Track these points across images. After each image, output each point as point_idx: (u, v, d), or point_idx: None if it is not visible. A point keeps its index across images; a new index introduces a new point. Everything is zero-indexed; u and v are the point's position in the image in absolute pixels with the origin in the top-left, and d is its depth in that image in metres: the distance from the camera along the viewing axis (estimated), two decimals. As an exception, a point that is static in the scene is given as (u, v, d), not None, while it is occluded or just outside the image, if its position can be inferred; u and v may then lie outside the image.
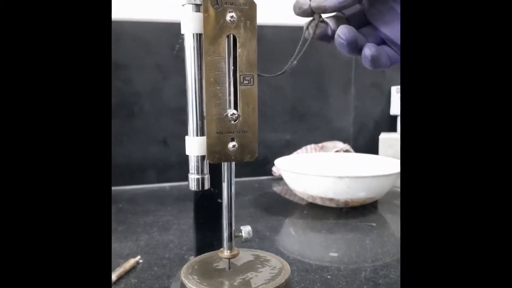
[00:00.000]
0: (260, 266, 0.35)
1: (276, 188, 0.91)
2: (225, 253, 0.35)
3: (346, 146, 1.00)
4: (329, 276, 0.48)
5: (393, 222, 0.69)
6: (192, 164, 0.33)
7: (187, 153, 0.33)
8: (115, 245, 0.58)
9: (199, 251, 0.42)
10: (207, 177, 0.33)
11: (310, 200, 0.74)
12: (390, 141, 0.92)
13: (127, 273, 0.50)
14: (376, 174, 0.68)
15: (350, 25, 0.33)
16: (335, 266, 0.51)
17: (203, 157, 0.33)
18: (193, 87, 0.32)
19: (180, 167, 0.97)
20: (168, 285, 0.47)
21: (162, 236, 0.62)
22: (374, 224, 0.66)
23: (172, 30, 0.92)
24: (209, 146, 0.32)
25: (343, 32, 0.32)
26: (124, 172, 0.94)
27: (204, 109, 0.32)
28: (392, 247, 0.57)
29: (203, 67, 0.32)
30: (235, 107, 0.33)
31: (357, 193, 0.69)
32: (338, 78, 1.05)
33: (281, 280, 0.32)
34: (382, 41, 0.35)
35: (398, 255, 0.54)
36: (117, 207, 0.78)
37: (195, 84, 0.32)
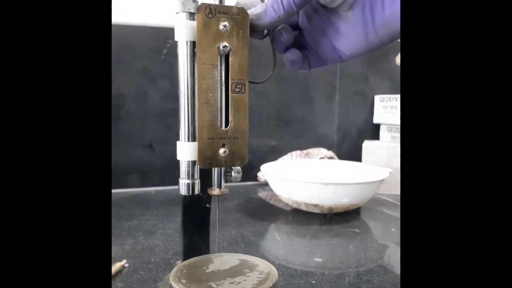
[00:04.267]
0: (247, 270, 0.36)
1: (262, 194, 0.92)
2: (215, 190, 0.35)
3: (330, 153, 1.01)
4: (314, 281, 0.49)
5: (376, 228, 0.71)
6: (183, 169, 0.33)
7: (178, 158, 0.33)
8: (99, 249, 0.58)
9: (186, 255, 0.42)
10: (197, 182, 0.34)
11: (295, 206, 0.75)
12: (373, 148, 0.94)
13: (113, 277, 0.49)
14: (359, 181, 0.70)
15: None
16: (319, 271, 0.52)
17: (194, 162, 0.33)
18: (186, 94, 0.33)
19: (165, 171, 0.97)
20: (153, 286, 0.47)
21: (148, 240, 0.62)
22: (357, 230, 0.67)
23: (160, 35, 0.92)
24: (201, 152, 0.33)
25: (287, 58, 0.37)
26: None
27: (196, 115, 0.33)
28: (374, 253, 0.58)
29: (196, 74, 0.32)
30: (226, 114, 0.33)
31: (341, 199, 0.70)
32: (323, 85, 1.07)
33: (268, 284, 0.33)
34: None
35: (381, 261, 0.56)
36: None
37: (187, 91, 0.33)
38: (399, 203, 0.85)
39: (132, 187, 0.95)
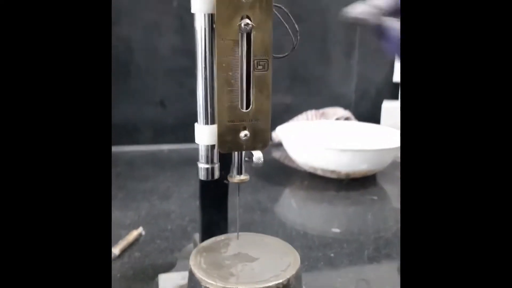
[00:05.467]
0: (269, 255, 0.35)
1: (276, 154, 0.90)
2: (235, 177, 0.34)
3: (347, 113, 0.98)
4: (332, 255, 0.48)
5: (394, 195, 0.69)
6: (202, 153, 0.31)
7: (196, 141, 0.31)
8: (116, 214, 0.58)
9: (205, 232, 0.42)
10: (217, 166, 0.32)
11: (311, 170, 0.74)
12: (393, 110, 0.91)
13: (130, 245, 0.50)
14: (378, 148, 0.68)
15: None
16: (337, 243, 0.51)
17: (213, 146, 0.31)
18: (203, 72, 0.30)
19: (178, 129, 0.95)
20: (171, 260, 0.47)
21: (163, 205, 0.62)
22: (375, 198, 0.66)
23: (171, -14, 0.87)
24: (220, 136, 0.31)
25: None
26: (121, 132, 0.91)
27: (215, 96, 0.30)
28: (393, 223, 0.57)
29: (215, 51, 0.30)
30: (248, 95, 0.31)
31: (358, 165, 0.68)
32: (342, 42, 1.01)
33: (291, 271, 0.32)
34: None
35: (399, 232, 0.55)
36: (116, 171, 0.77)
37: (205, 69, 0.30)
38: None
39: (145, 143, 0.94)
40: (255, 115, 0.31)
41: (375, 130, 0.84)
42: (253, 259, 0.34)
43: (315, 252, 0.49)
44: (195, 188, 0.68)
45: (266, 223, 0.56)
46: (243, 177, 0.33)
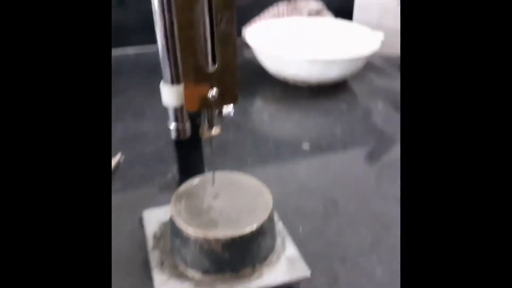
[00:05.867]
0: (244, 198, 0.37)
1: (248, 54, 0.87)
2: (206, 131, 0.34)
3: (319, 5, 0.94)
4: (302, 174, 0.52)
5: (363, 101, 0.71)
6: (171, 114, 0.31)
7: (164, 103, 0.31)
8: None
9: (182, 172, 0.44)
10: (187, 124, 0.32)
11: (282, 79, 0.74)
12: (366, 5, 0.87)
13: (112, 173, 0.51)
14: (351, 57, 0.67)
15: None
16: (307, 163, 0.54)
17: (181, 106, 0.31)
18: (163, 31, 0.28)
19: (142, 30, 0.89)
20: (152, 187, 0.49)
21: (138, 125, 0.62)
22: (344, 107, 0.68)
23: None
24: (188, 97, 0.30)
25: None
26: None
27: (178, 57, 0.29)
28: (360, 134, 0.60)
29: (173, 9, 0.27)
30: (213, 52, 0.30)
31: (330, 74, 0.68)
32: None
33: (264, 215, 0.35)
34: None
35: (364, 145, 0.58)
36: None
37: (165, 29, 0.28)
38: (387, 68, 0.84)
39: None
40: (222, 72, 0.30)
41: (348, 29, 0.81)
42: (229, 204, 0.37)
43: (285, 171, 0.52)
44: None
45: (239, 142, 0.58)
46: (214, 132, 0.34)
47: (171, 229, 0.37)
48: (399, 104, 0.68)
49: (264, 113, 0.67)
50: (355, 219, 0.45)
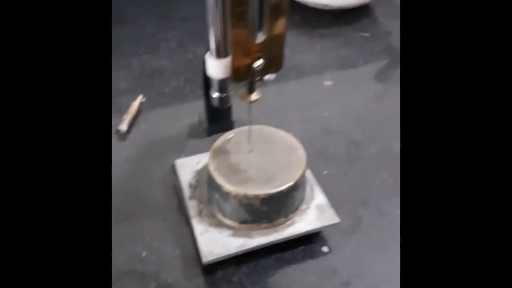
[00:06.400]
0: (278, 155, 0.38)
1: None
2: (247, 96, 0.34)
3: None
4: (325, 114, 0.52)
5: (386, 26, 0.68)
6: (215, 84, 0.31)
7: (209, 74, 0.30)
8: (108, 74, 0.57)
9: (211, 121, 0.44)
10: (230, 93, 0.32)
11: (301, 2, 0.69)
12: None
13: (136, 117, 0.52)
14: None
15: None
16: (329, 102, 0.54)
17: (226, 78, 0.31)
18: (214, 3, 0.27)
19: None
20: (179, 131, 0.50)
21: (154, 60, 0.61)
22: (367, 35, 0.66)
23: None
24: (235, 69, 0.30)
25: None
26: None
27: (228, 29, 0.28)
28: (383, 66, 0.59)
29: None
30: (260, 25, 0.28)
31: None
32: None
33: (299, 172, 0.37)
34: None
35: (388, 79, 0.58)
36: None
37: (216, 3, 0.27)
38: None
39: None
40: (270, 44, 0.29)
41: None
42: (264, 160, 0.38)
43: (308, 111, 0.52)
44: (181, 33, 0.65)
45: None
46: (254, 97, 0.34)
47: (209, 183, 0.38)
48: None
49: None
50: (377, 162, 0.47)
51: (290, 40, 0.64)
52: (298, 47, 0.64)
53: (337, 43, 0.64)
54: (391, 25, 0.68)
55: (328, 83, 0.57)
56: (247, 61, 0.29)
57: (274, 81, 0.56)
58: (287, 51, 0.63)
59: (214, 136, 0.44)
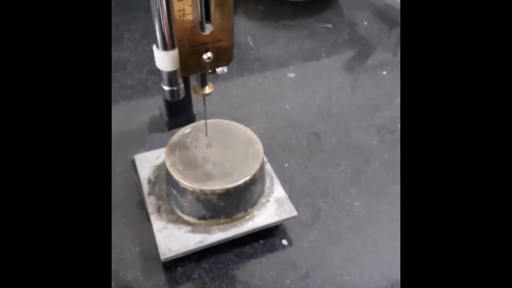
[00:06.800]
0: (235, 149, 0.38)
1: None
2: (200, 90, 0.33)
3: None
4: (288, 107, 0.53)
5: (352, 20, 0.68)
6: (165, 77, 0.30)
7: (158, 67, 0.30)
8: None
9: (171, 116, 0.43)
10: (181, 86, 0.32)
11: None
12: None
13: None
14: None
15: None
16: (292, 92, 0.55)
17: (175, 70, 0.30)
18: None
19: None
20: (136, 121, 0.49)
21: (117, 52, 0.59)
22: (330, 26, 0.66)
23: None
24: (183, 62, 0.29)
25: None
26: None
27: (173, 22, 0.27)
28: (346, 57, 0.60)
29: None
30: (208, 15, 0.28)
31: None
32: None
33: (256, 166, 0.37)
34: None
35: (349, 70, 0.58)
36: None
37: (158, -7, 0.26)
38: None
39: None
40: (217, 36, 0.29)
41: None
42: (222, 154, 0.38)
43: (271, 103, 0.53)
44: (145, 25, 0.64)
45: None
46: (208, 90, 0.33)
47: (166, 179, 0.38)
48: (388, 19, 0.67)
49: (248, 35, 0.65)
50: (337, 153, 0.48)
51: (254, 31, 0.65)
52: (262, 39, 0.64)
53: (300, 35, 0.64)
54: (354, 16, 0.69)
55: (291, 75, 0.57)
56: (196, 53, 0.29)
57: (239, 74, 0.57)
58: (249, 41, 0.64)
59: (175, 130, 0.43)
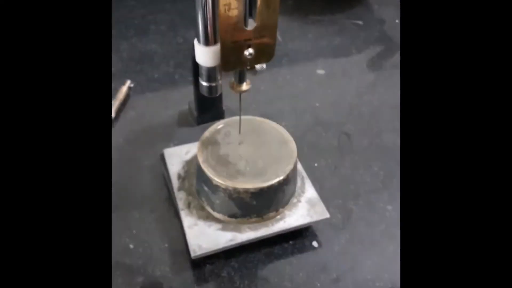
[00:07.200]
0: (268, 147, 0.37)
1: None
2: (237, 86, 0.32)
3: None
4: (317, 104, 0.51)
5: (382, 17, 0.67)
6: (204, 72, 0.30)
7: (198, 62, 0.29)
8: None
9: (200, 110, 0.42)
10: (220, 82, 0.31)
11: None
12: None
13: (123, 103, 0.50)
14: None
15: None
16: (322, 91, 0.53)
17: (215, 66, 0.29)
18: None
19: None
20: (164, 115, 0.49)
21: (143, 44, 0.59)
22: (360, 22, 0.64)
23: None
24: (224, 57, 0.28)
25: None
26: None
27: (217, 16, 0.26)
28: (377, 55, 0.58)
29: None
30: (250, 12, 0.27)
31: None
32: None
33: (290, 165, 0.36)
34: None
35: (380, 68, 0.57)
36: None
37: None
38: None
39: None
40: (261, 32, 0.28)
41: None
42: (255, 152, 0.37)
43: (300, 101, 0.52)
44: (171, 16, 0.63)
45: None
46: (245, 87, 0.32)
47: (198, 175, 0.37)
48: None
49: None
50: (368, 155, 0.46)
51: (283, 26, 0.64)
52: (291, 34, 0.62)
53: (330, 31, 0.63)
54: (384, 12, 0.67)
55: (320, 72, 0.56)
56: (237, 49, 0.28)
57: (266, 69, 0.56)
58: (280, 38, 0.63)
59: (204, 125, 0.43)
